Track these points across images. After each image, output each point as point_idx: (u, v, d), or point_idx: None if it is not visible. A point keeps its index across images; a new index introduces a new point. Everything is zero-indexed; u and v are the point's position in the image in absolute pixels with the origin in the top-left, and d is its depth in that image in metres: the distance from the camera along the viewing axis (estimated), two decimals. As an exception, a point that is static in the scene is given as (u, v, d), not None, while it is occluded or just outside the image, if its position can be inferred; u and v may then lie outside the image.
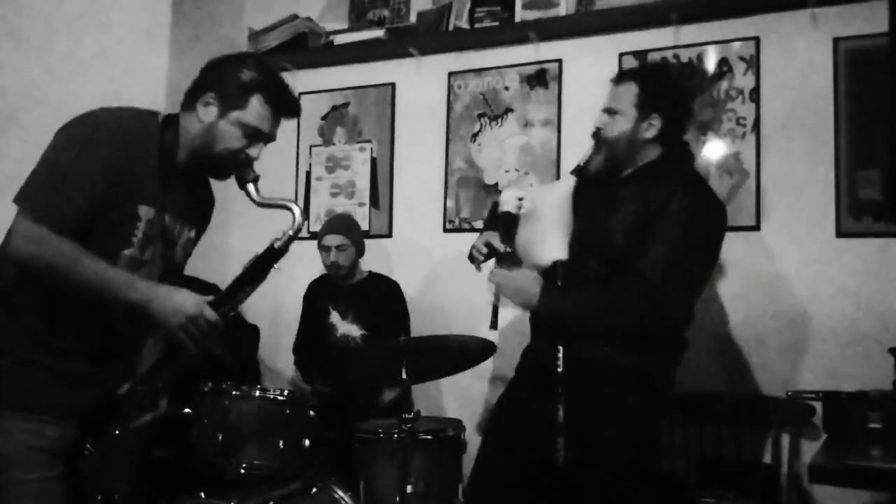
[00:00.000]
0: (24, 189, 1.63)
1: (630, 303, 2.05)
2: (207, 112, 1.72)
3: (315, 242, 3.30)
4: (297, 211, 1.73)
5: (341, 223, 3.35)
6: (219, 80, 1.74)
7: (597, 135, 2.22)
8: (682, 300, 2.11)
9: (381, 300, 3.32)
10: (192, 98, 1.76)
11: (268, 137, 1.78)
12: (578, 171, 2.22)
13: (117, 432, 1.74)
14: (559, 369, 2.05)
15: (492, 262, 2.27)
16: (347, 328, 3.30)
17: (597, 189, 2.22)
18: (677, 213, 2.05)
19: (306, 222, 3.79)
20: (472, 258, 2.31)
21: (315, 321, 3.37)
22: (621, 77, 2.28)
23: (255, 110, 1.72)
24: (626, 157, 2.20)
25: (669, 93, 2.23)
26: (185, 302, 1.63)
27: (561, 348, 2.06)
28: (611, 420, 2.06)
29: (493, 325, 2.16)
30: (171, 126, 1.77)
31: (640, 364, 2.10)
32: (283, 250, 1.73)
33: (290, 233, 1.72)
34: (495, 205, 2.34)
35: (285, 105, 1.79)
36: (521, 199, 2.21)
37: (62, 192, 1.61)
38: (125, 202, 1.69)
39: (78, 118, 1.69)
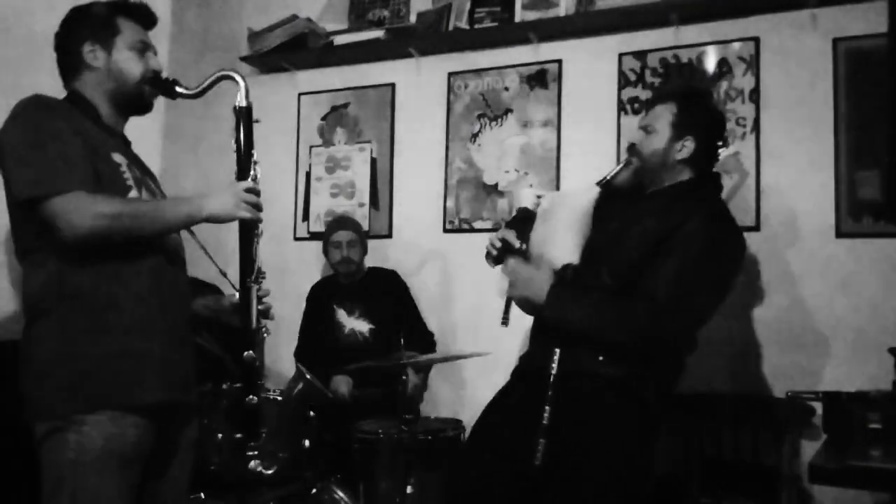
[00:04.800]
0: (24, 183, 1.58)
1: (633, 322, 2.01)
2: (97, 58, 1.78)
3: (315, 243, 3.29)
4: (235, 74, 1.79)
5: (349, 220, 3.47)
6: (83, 30, 1.79)
7: (632, 149, 2.24)
8: (685, 324, 2.08)
9: (384, 291, 3.39)
10: (71, 65, 1.80)
11: (152, 46, 1.86)
12: (605, 184, 2.22)
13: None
14: (553, 372, 2.03)
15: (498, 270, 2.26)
16: (355, 324, 3.34)
17: (619, 203, 2.22)
18: (691, 234, 2.02)
19: (306, 223, 3.81)
20: (487, 254, 2.30)
21: (321, 322, 3.39)
22: (661, 97, 2.28)
23: (127, 28, 1.81)
24: (656, 174, 2.20)
25: (706, 117, 2.23)
26: (223, 189, 1.74)
27: (557, 351, 2.04)
28: (595, 430, 2.01)
29: (505, 321, 2.12)
30: (74, 96, 1.80)
31: (633, 378, 2.05)
32: (249, 106, 1.79)
33: (244, 88, 1.79)
34: (521, 209, 2.33)
35: (142, 13, 1.86)
36: (539, 198, 2.23)
37: (58, 157, 1.59)
38: (100, 150, 1.70)
39: (11, 113, 1.67)
